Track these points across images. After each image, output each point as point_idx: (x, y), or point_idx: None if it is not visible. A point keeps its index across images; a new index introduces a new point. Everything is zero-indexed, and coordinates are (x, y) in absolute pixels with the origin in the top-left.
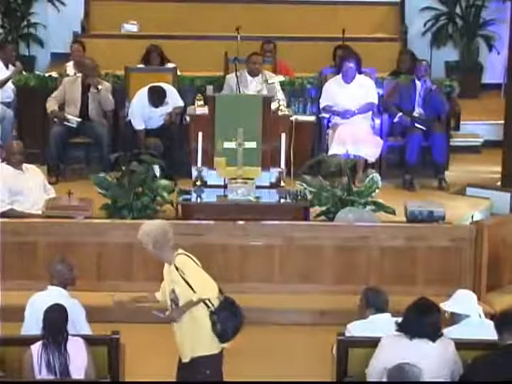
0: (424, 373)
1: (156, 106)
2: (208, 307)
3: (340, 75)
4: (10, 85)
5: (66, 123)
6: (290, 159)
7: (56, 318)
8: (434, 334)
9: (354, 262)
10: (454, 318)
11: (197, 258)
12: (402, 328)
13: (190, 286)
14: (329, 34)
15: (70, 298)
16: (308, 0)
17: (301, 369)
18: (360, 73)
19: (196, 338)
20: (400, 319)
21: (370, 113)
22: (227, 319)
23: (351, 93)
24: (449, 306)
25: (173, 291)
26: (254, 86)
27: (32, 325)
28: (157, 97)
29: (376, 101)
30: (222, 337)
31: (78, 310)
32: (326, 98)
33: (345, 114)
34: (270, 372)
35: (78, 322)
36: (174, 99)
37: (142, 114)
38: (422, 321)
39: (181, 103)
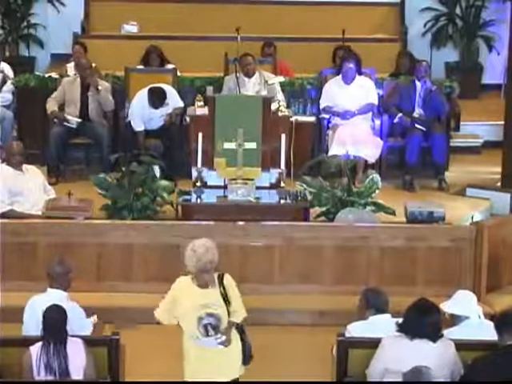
0: None
1: (156, 107)
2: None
3: (340, 76)
4: (8, 87)
5: (65, 124)
6: (290, 160)
7: (55, 318)
8: (434, 335)
9: (353, 263)
10: (454, 320)
11: None
12: (402, 328)
13: (227, 307)
14: (329, 34)
15: (70, 301)
16: (308, 0)
17: (301, 369)
18: (360, 73)
19: (238, 356)
20: (400, 320)
21: (370, 113)
22: (246, 339)
23: (351, 93)
24: (448, 307)
25: (210, 315)
26: (251, 86)
27: (31, 326)
28: (157, 98)
29: (376, 101)
30: (247, 356)
31: (77, 312)
32: (325, 99)
33: (345, 115)
34: (270, 372)
35: (78, 325)
36: (174, 100)
37: (141, 114)
38: (423, 321)
39: (181, 104)
